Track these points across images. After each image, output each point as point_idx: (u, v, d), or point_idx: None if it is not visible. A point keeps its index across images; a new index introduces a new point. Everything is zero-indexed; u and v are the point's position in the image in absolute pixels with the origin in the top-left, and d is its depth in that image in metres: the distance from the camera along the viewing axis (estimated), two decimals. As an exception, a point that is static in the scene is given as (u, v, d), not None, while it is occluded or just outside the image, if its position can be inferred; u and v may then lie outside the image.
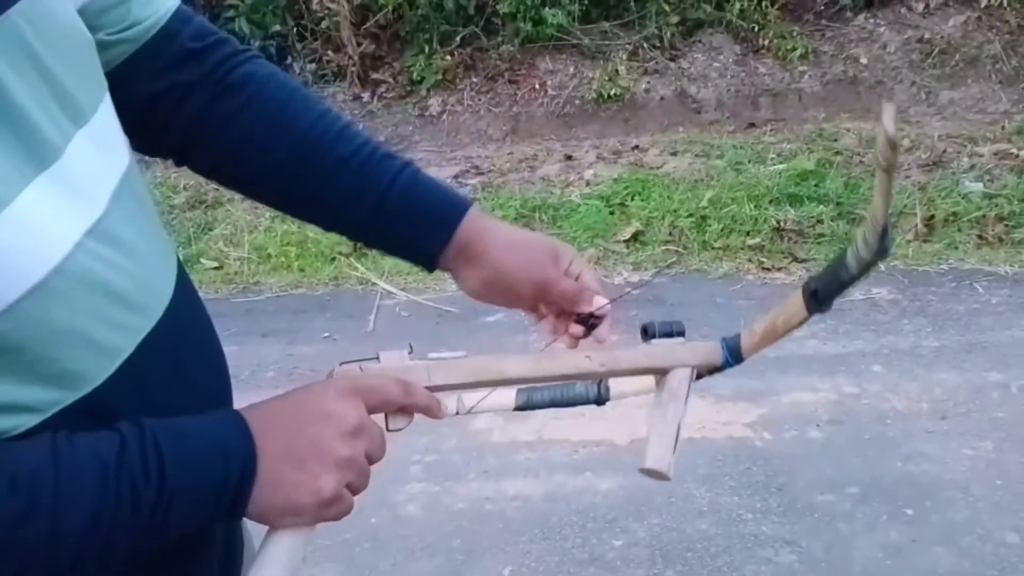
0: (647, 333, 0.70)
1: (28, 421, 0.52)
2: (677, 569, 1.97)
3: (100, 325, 0.55)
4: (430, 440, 2.43)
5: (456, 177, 4.47)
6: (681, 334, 0.70)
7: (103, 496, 0.49)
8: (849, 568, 1.96)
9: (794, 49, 4.94)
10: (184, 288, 0.66)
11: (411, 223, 0.75)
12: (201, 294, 0.75)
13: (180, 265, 0.68)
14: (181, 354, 0.63)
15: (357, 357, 0.66)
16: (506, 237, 0.77)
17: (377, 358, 0.65)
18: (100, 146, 0.57)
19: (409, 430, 0.63)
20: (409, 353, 0.66)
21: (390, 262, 3.68)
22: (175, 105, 0.71)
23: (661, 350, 0.68)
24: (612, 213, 3.83)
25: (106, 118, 0.60)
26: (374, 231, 0.77)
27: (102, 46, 0.63)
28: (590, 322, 0.76)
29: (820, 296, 0.64)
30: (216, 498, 0.54)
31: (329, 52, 5.18)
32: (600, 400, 0.72)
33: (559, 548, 2.06)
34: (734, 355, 0.69)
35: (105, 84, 0.61)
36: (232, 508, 0.56)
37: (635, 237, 3.64)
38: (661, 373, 0.69)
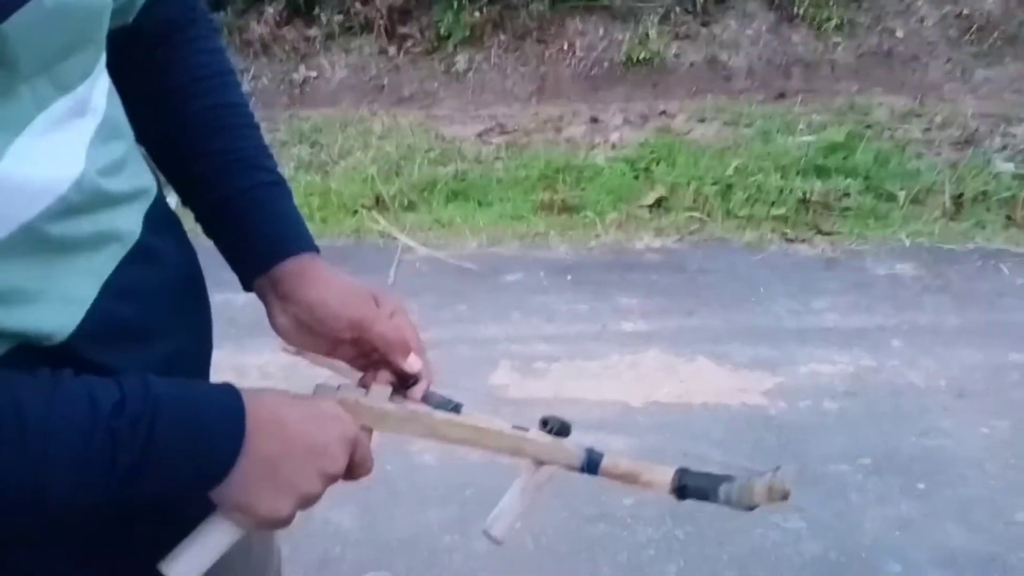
0: (545, 425, 0.78)
1: None
2: (686, 529, 1.99)
3: (72, 274, 0.56)
4: (447, 392, 2.44)
5: (480, 135, 4.45)
6: (568, 432, 0.79)
7: (87, 447, 0.50)
8: (858, 538, 1.97)
9: (829, 19, 4.84)
10: (154, 226, 0.67)
11: (238, 238, 0.74)
12: (211, 244, 0.76)
13: (158, 205, 0.69)
14: (150, 292, 0.64)
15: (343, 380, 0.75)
16: (326, 281, 0.73)
17: (367, 391, 0.73)
18: (78, 107, 0.58)
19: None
20: (392, 394, 0.74)
21: (411, 217, 3.68)
22: (127, 56, 0.70)
23: (549, 447, 0.77)
24: (636, 177, 3.80)
25: (95, 84, 0.60)
26: (209, 228, 0.76)
27: (116, 12, 0.63)
28: (408, 381, 0.75)
29: (686, 493, 0.74)
30: (188, 480, 0.57)
31: (357, 4, 5.12)
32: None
33: (569, 504, 2.08)
34: (591, 468, 0.78)
35: (104, 47, 0.61)
36: (199, 491, 0.59)
37: (659, 203, 3.61)
38: (539, 463, 0.78)
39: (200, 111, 0.73)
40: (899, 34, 4.91)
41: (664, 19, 4.91)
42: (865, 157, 3.80)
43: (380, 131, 4.47)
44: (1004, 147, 3.95)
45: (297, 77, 5.04)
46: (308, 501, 0.61)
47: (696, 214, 3.54)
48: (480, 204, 3.77)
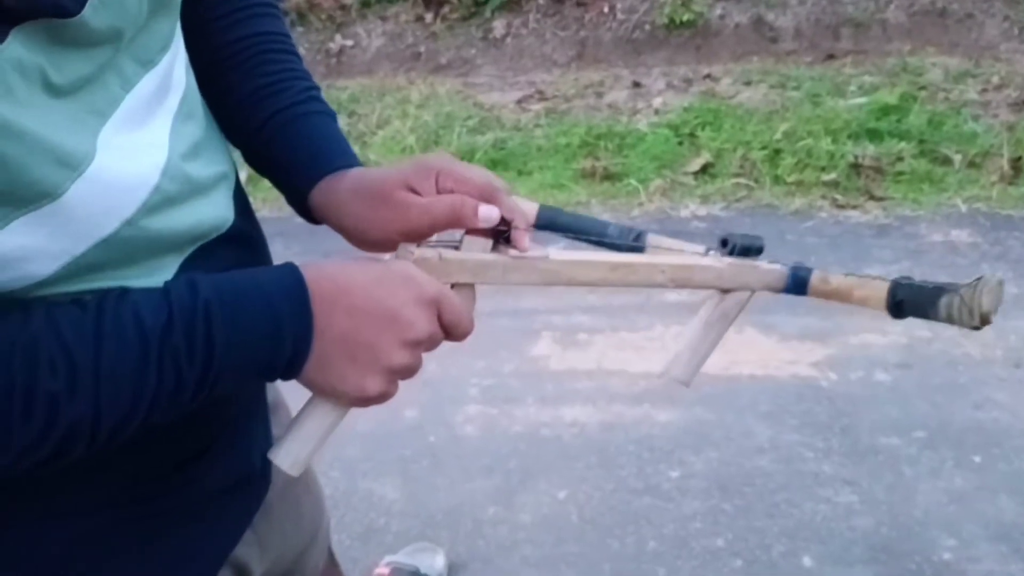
0: (725, 246, 0.68)
1: None
2: (734, 503, 1.96)
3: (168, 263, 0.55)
4: (488, 363, 2.44)
5: (520, 102, 4.39)
6: (759, 252, 0.69)
7: (144, 376, 0.48)
8: (910, 511, 1.92)
9: (881, -24, 4.66)
10: (242, 216, 0.65)
11: (274, 174, 0.70)
12: (265, 212, 0.73)
13: (239, 189, 0.66)
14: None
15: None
16: (351, 205, 0.64)
17: (459, 244, 0.61)
18: (163, 84, 0.55)
19: (467, 353, 0.60)
20: (494, 249, 0.62)
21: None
22: None
23: (731, 271, 0.67)
24: (681, 143, 3.72)
25: (173, 51, 0.57)
26: (255, 148, 0.70)
27: None
28: (502, 233, 0.62)
29: (902, 309, 0.66)
30: (264, 372, 0.54)
31: (394, -30, 5.07)
32: (632, 250, 0.70)
33: (615, 476, 2.06)
34: (798, 288, 0.69)
35: (179, 10, 0.58)
36: (281, 378, 0.55)
37: (704, 169, 3.54)
38: (724, 291, 0.69)
39: (224, 45, 0.69)
40: (954, -10, 4.72)
41: (708, -21, 4.78)
42: (919, 119, 3.67)
43: (418, 100, 4.44)
44: (1065, 108, 3.79)
45: (333, 46, 5.01)
46: (401, 372, 0.56)
47: (743, 181, 3.46)
48: (520, 173, 3.73)
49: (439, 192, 0.61)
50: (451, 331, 0.59)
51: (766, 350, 2.49)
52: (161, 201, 0.52)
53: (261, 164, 0.71)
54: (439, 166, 0.61)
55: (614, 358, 2.49)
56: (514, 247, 0.62)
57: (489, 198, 0.60)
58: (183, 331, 0.49)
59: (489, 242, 0.62)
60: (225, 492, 0.66)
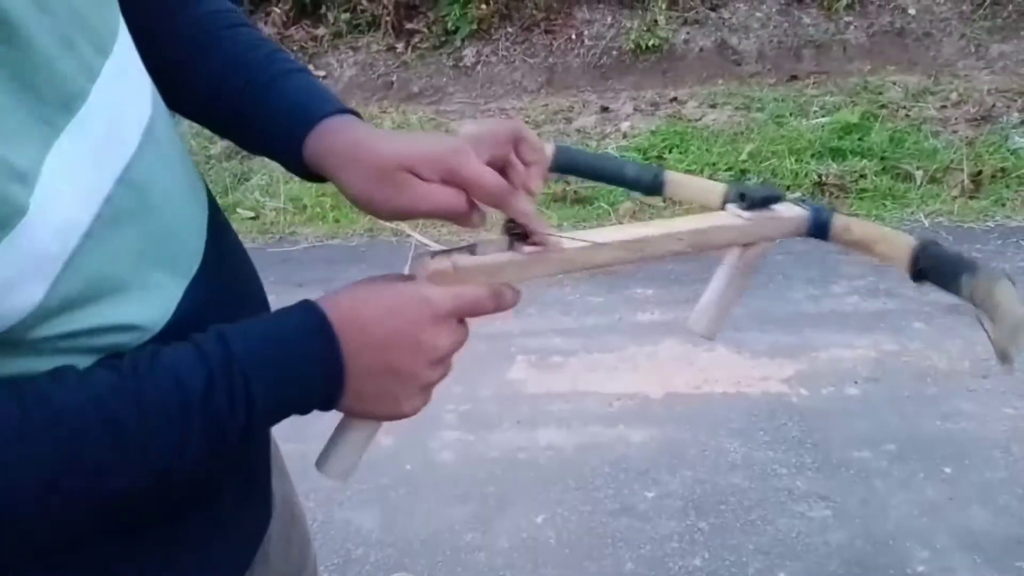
0: (743, 199, 0.66)
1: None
2: (710, 521, 1.97)
3: (135, 286, 0.53)
4: (464, 389, 2.45)
5: (490, 129, 4.42)
6: (778, 200, 0.67)
7: (187, 438, 0.49)
8: (883, 524, 1.95)
9: (840, -2, 4.78)
10: (219, 234, 0.64)
11: (259, 139, 0.67)
12: None
13: (214, 207, 0.65)
14: (222, 303, 0.61)
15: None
16: (347, 163, 0.61)
17: (473, 248, 0.60)
18: (126, 76, 0.53)
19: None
20: (510, 247, 0.61)
21: (424, 214, 3.67)
22: None
23: (751, 226, 0.65)
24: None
25: (126, 43, 0.55)
26: (234, 119, 0.68)
27: None
28: (515, 231, 0.61)
29: (924, 275, 0.62)
30: (301, 412, 0.56)
31: (363, 1, 5.12)
32: (651, 191, 0.69)
33: (591, 498, 2.07)
34: (820, 231, 0.66)
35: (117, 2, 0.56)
36: (318, 410, 0.58)
37: (672, 191, 3.59)
38: (745, 245, 0.67)
39: (184, 25, 0.67)
40: (911, 11, 4.83)
41: (672, 4, 4.87)
42: (880, 137, 3.75)
43: (390, 128, 4.46)
44: (1021, 123, 3.88)
45: (306, 77, 5.03)
46: (433, 384, 0.59)
47: (710, 201, 3.51)
48: (492, 198, 3.75)
49: (444, 183, 0.59)
50: (495, 311, 0.61)
51: (737, 367, 2.51)
52: (116, 213, 0.50)
53: (242, 134, 0.69)
54: (448, 163, 0.58)
55: (589, 379, 2.51)
56: (533, 243, 0.61)
57: (499, 203, 0.60)
58: (225, 392, 0.50)
59: (505, 239, 0.61)
60: (233, 519, 0.67)
